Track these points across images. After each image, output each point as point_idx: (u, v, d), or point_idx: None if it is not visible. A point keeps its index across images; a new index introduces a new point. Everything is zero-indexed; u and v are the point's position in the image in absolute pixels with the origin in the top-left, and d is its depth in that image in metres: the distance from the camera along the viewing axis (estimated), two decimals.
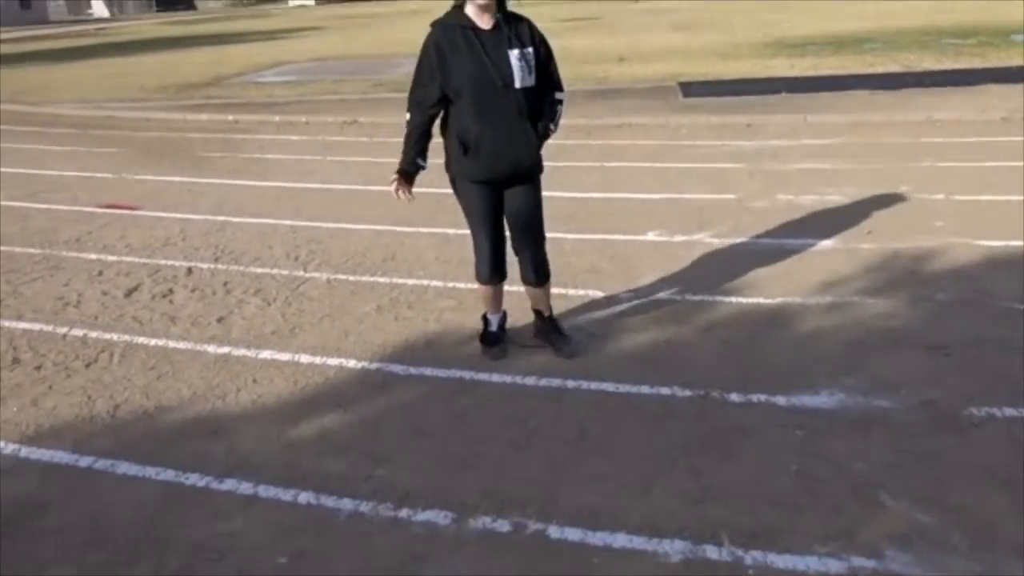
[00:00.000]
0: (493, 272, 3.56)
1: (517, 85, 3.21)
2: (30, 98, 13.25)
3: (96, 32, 37.35)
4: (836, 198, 5.78)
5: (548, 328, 3.71)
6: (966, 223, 5.08)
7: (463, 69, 3.20)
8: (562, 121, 3.51)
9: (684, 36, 17.08)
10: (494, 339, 3.74)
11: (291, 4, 62.95)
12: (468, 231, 5.40)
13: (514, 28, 3.25)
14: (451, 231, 5.44)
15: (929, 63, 11.44)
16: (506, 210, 3.48)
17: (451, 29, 3.24)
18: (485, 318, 3.78)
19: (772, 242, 4.96)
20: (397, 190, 3.44)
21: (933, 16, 18.11)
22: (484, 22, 3.22)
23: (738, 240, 5.02)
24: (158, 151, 8.91)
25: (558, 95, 3.41)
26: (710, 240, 5.07)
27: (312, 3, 61.50)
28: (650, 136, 8.15)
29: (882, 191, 5.86)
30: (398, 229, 5.57)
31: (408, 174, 3.44)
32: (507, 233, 3.56)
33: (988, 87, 9.49)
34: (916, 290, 4.17)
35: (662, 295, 4.27)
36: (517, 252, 3.58)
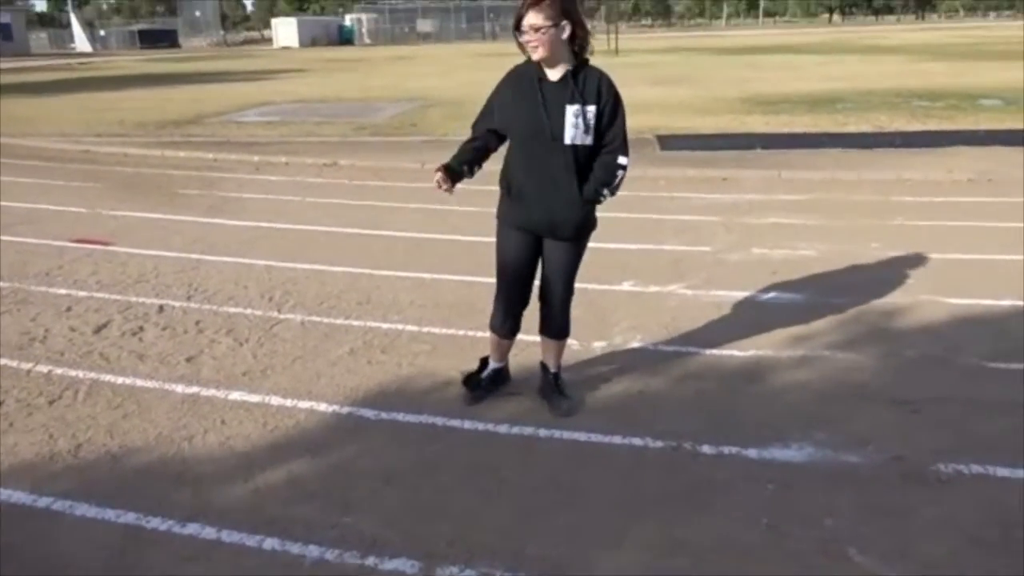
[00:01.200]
0: (503, 323, 3.54)
1: (567, 141, 3.11)
2: (7, 130, 13.17)
3: (78, 66, 37.39)
4: (809, 253, 5.88)
5: (550, 386, 3.65)
6: (934, 281, 5.18)
7: (519, 117, 3.18)
8: None
9: (662, 90, 17.42)
10: (476, 386, 3.68)
11: (275, 46, 63.60)
12: (444, 276, 5.44)
13: (582, 82, 3.12)
14: (427, 275, 5.45)
15: (899, 124, 11.75)
16: (543, 261, 3.43)
17: (522, 76, 3.20)
18: (484, 361, 3.74)
19: (746, 295, 5.02)
20: (439, 180, 3.24)
21: (903, 79, 18.65)
22: (552, 73, 3.15)
23: (712, 292, 5.07)
24: (134, 187, 8.87)
25: (621, 159, 3.20)
26: (684, 291, 5.11)
27: (296, 45, 62.15)
28: (627, 187, 8.19)
29: (853, 247, 5.96)
30: (374, 272, 5.57)
31: (453, 171, 3.26)
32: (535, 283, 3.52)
33: (957, 149, 9.74)
34: (885, 346, 4.22)
35: (636, 345, 4.29)
36: (541, 300, 3.53)
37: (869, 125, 11.71)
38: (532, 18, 3.03)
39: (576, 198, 3.21)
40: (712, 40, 51.07)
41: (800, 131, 11.34)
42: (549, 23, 3.03)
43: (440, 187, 3.25)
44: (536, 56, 3.10)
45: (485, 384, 3.70)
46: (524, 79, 3.20)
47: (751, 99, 15.34)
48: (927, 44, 36.03)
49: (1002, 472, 3.04)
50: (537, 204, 3.24)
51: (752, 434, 3.34)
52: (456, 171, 3.28)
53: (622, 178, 3.23)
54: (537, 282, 3.52)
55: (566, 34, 3.08)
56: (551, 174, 3.19)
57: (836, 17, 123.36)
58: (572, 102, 3.10)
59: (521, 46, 3.14)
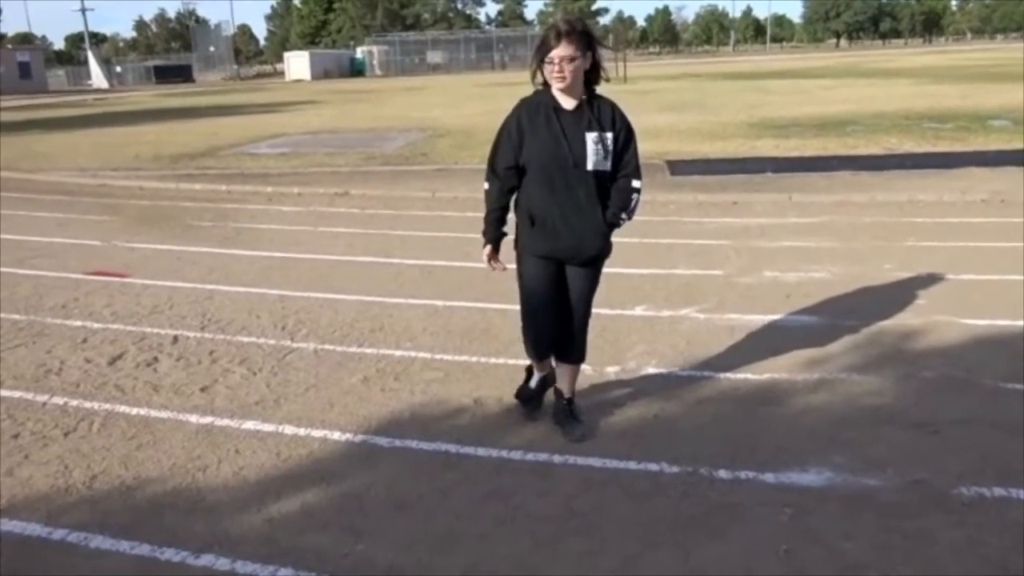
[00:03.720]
0: (545, 353, 3.57)
1: (589, 167, 3.19)
2: (25, 165, 13.36)
3: (94, 102, 37.96)
4: (821, 275, 5.85)
5: (564, 412, 3.64)
6: (950, 302, 5.14)
7: (539, 147, 3.21)
8: None
9: (672, 116, 17.50)
10: (528, 396, 3.72)
11: (288, 79, 64.42)
12: (456, 302, 5.44)
13: (597, 110, 3.22)
14: (439, 303, 5.46)
15: (910, 146, 11.74)
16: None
17: (535, 107, 3.24)
18: (529, 370, 3.76)
19: (759, 318, 4.99)
20: (491, 262, 3.44)
21: (912, 101, 18.67)
22: (567, 103, 3.21)
23: (725, 316, 5.05)
24: (149, 219, 8.95)
25: (635, 183, 3.30)
26: (697, 315, 5.09)
27: (308, 78, 62.92)
28: (638, 212, 8.23)
29: (866, 269, 5.93)
30: (386, 300, 5.58)
31: (496, 242, 3.43)
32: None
33: (967, 170, 9.71)
34: (902, 368, 4.18)
35: (650, 370, 4.27)
36: (562, 328, 3.54)
37: (879, 147, 11.71)
38: (564, 49, 3.10)
39: (600, 223, 3.29)
40: (720, 66, 51.36)
41: (810, 154, 11.35)
42: (579, 54, 3.12)
43: (494, 268, 3.44)
44: (562, 86, 3.16)
45: (537, 393, 3.73)
46: (539, 109, 3.24)
47: (760, 123, 15.38)
48: (935, 67, 36.11)
49: None
50: (563, 232, 3.27)
51: (769, 458, 3.30)
52: (498, 240, 3.43)
53: (637, 201, 3.33)
54: None
55: (587, 65, 3.17)
56: (575, 201, 3.25)
57: (843, 42, 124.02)
58: (591, 129, 3.19)
59: (536, 74, 3.23)
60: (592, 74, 3.22)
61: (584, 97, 3.22)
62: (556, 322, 3.50)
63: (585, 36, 3.14)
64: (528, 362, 3.78)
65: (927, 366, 4.19)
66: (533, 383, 3.74)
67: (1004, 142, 11.65)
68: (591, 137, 3.18)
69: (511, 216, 3.45)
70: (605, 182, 3.28)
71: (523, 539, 2.83)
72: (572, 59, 3.10)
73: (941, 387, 3.95)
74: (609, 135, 3.21)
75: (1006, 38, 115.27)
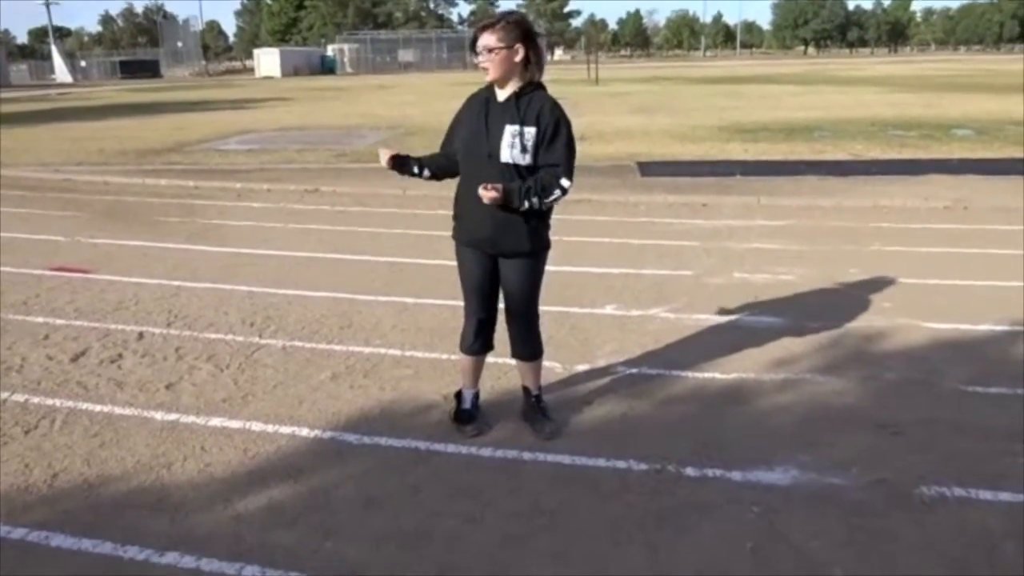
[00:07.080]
0: (473, 342, 3.54)
1: (502, 159, 3.15)
2: None
3: (58, 96, 37.27)
4: (788, 278, 5.92)
5: (533, 409, 3.64)
6: (913, 305, 5.23)
7: (464, 135, 3.30)
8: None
9: (643, 118, 17.61)
10: (468, 417, 3.63)
11: (257, 76, 63.77)
12: (426, 300, 5.43)
13: (526, 104, 3.17)
14: (409, 300, 5.44)
15: (875, 152, 11.94)
16: (501, 281, 3.44)
17: (477, 98, 3.32)
18: (459, 394, 3.69)
19: (727, 318, 5.04)
20: (386, 160, 3.37)
21: (878, 109, 18.99)
22: (501, 95, 3.23)
23: (694, 316, 5.09)
24: (114, 215, 8.81)
25: (564, 182, 3.15)
26: (667, 315, 5.13)
27: (278, 75, 62.35)
28: (608, 213, 8.31)
29: (832, 272, 6.02)
30: (356, 297, 5.55)
31: (402, 161, 3.41)
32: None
33: (931, 177, 9.89)
34: (866, 369, 4.25)
35: (619, 368, 4.29)
36: (508, 325, 3.54)
37: (846, 153, 11.89)
38: (486, 39, 3.14)
39: (516, 218, 3.22)
40: (691, 70, 51.80)
41: (778, 158, 11.49)
42: (502, 45, 3.12)
43: (382, 161, 3.36)
44: (488, 77, 3.19)
45: (473, 411, 3.66)
46: (476, 100, 3.32)
47: (730, 127, 15.53)
48: (900, 76, 36.76)
49: (984, 495, 3.05)
50: (478, 221, 3.27)
51: (736, 457, 3.34)
52: (402, 160, 3.40)
53: (558, 198, 3.20)
54: (502, 304, 3.53)
55: (519, 57, 3.16)
56: None
57: (811, 49, 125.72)
58: (512, 122, 3.16)
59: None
60: (530, 68, 3.19)
61: (516, 90, 3.19)
62: (491, 312, 3.51)
63: (516, 28, 3.13)
64: (453, 389, 3.76)
65: (890, 368, 4.27)
66: (467, 404, 3.66)
67: (966, 151, 11.91)
68: (510, 130, 3.14)
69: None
70: (524, 176, 3.18)
71: (493, 537, 2.83)
72: (491, 49, 3.11)
73: (904, 389, 4.02)
74: (531, 130, 3.13)
75: (968, 49, 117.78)
